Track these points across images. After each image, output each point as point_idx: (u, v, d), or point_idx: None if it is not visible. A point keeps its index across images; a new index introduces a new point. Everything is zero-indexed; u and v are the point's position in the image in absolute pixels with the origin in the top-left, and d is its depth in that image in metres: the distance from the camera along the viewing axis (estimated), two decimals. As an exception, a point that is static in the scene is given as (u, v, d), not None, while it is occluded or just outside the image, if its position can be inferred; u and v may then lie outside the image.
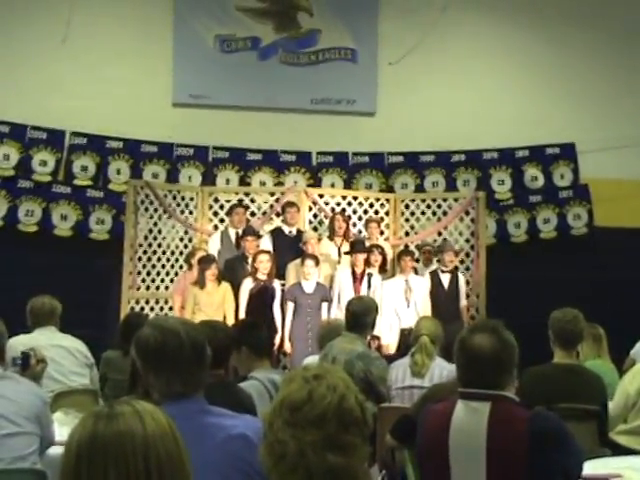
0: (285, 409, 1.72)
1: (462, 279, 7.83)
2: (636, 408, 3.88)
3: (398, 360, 4.94)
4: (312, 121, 9.33)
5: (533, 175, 9.35)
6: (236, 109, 9.31)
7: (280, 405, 1.73)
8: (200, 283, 7.08)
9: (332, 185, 9.21)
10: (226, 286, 7.16)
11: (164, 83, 9.14)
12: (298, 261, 7.36)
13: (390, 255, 8.09)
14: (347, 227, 8.00)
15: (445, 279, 7.68)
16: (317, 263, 7.26)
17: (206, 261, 7.15)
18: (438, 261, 7.92)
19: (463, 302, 7.75)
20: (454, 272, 7.79)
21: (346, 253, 7.62)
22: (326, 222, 8.28)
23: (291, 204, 8.03)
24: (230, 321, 6.84)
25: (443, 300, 7.53)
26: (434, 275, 7.68)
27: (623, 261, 8.85)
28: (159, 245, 8.22)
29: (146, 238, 8.15)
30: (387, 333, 7.29)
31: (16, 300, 5.11)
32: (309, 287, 7.24)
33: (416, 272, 7.82)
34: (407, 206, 8.68)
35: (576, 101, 9.41)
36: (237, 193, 8.59)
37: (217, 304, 7.09)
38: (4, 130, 8.68)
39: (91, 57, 8.98)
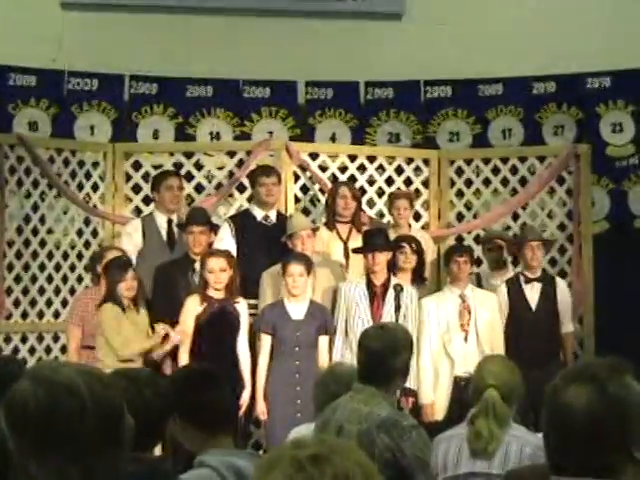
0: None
1: (565, 290, 7.81)
2: None
3: (449, 430, 4.94)
4: (297, 30, 9.31)
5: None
6: (168, 11, 9.28)
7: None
8: (115, 300, 7.04)
9: (332, 138, 9.20)
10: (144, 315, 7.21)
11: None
12: (278, 267, 7.37)
13: (432, 254, 8.10)
14: (358, 207, 8.01)
15: (532, 292, 7.68)
16: (310, 269, 7.26)
17: (115, 266, 7.12)
18: (516, 261, 7.90)
19: (569, 329, 7.77)
20: (549, 280, 7.80)
21: (356, 251, 7.61)
22: (323, 200, 8.29)
23: (266, 171, 8.02)
24: (165, 369, 6.87)
25: (530, 329, 7.54)
26: (513, 285, 7.69)
27: None
28: (42, 243, 8.22)
29: (20, 231, 8.15)
30: (429, 385, 7.32)
31: None
32: (297, 310, 7.25)
33: (479, 283, 7.84)
34: (460, 170, 8.69)
35: None
36: (172, 153, 8.58)
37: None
38: None
39: None
